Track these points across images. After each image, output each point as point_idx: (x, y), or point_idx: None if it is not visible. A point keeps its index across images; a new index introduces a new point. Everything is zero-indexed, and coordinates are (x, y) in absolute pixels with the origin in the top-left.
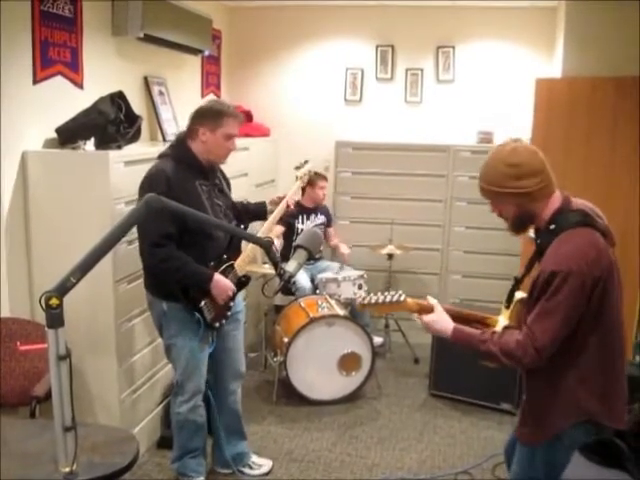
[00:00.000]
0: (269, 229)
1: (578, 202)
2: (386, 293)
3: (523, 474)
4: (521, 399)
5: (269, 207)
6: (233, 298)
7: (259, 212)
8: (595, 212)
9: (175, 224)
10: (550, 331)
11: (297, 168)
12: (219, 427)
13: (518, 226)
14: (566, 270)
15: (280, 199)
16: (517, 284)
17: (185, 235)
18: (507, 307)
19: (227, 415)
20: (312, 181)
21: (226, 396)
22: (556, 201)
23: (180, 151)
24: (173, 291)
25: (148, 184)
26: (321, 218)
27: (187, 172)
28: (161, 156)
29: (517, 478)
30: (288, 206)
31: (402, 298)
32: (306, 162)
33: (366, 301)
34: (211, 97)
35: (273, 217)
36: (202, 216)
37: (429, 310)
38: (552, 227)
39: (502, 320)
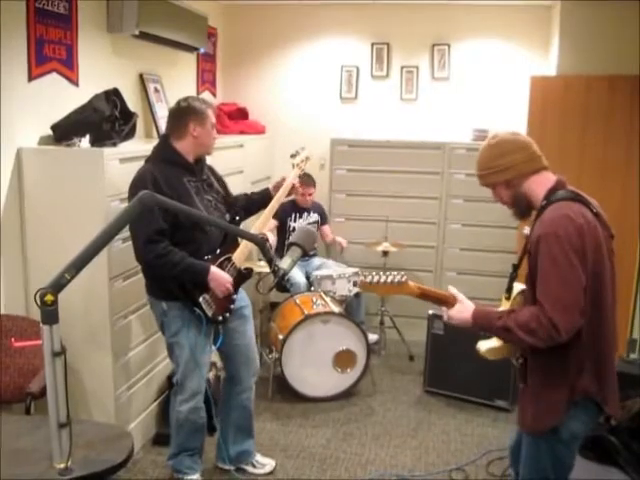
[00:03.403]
0: (267, 218)
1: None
2: (388, 273)
3: (531, 474)
4: (517, 392)
5: (273, 192)
6: (236, 291)
7: (264, 200)
8: (592, 201)
9: (166, 220)
10: (556, 297)
11: (293, 156)
12: (227, 424)
13: (519, 209)
14: (552, 231)
15: (283, 180)
16: (515, 271)
17: (177, 231)
18: (507, 298)
19: (238, 412)
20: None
21: (240, 392)
22: (549, 181)
23: (165, 152)
24: (171, 290)
25: (135, 186)
26: (314, 217)
27: (174, 171)
28: (147, 160)
29: (526, 478)
30: (294, 186)
31: (403, 280)
32: (303, 149)
33: (368, 280)
34: (181, 99)
35: (274, 203)
36: (195, 212)
37: (451, 300)
38: (544, 203)
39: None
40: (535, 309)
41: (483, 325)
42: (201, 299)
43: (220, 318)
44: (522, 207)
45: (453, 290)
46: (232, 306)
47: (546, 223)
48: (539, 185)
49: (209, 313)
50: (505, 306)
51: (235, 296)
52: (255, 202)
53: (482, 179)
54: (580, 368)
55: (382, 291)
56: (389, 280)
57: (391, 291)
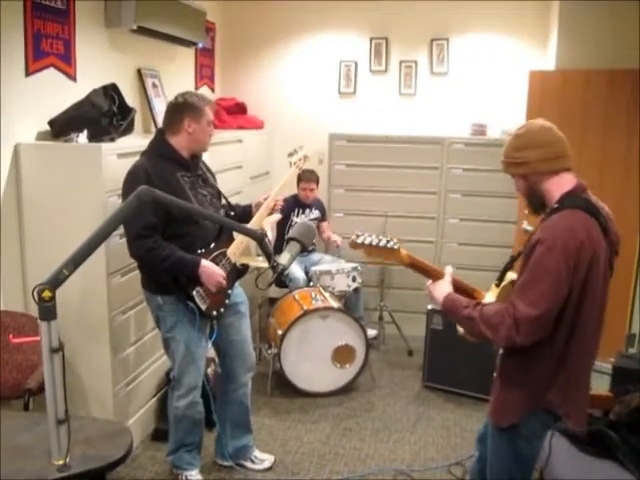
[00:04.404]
0: (258, 223)
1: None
2: (381, 237)
3: (500, 471)
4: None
5: (254, 210)
6: (231, 286)
7: (243, 216)
8: (606, 213)
9: (158, 215)
10: (532, 302)
11: (290, 155)
12: (224, 420)
13: (532, 203)
14: (551, 239)
15: (265, 200)
16: (512, 262)
17: (170, 225)
18: (497, 285)
19: (234, 408)
20: (300, 179)
21: (236, 389)
22: (568, 184)
23: (160, 147)
24: (165, 283)
25: (129, 181)
26: (315, 213)
27: (168, 166)
28: (143, 153)
29: (493, 475)
30: (275, 204)
31: (395, 247)
32: (301, 147)
33: (359, 240)
34: (180, 94)
35: (260, 213)
36: (192, 207)
37: (439, 275)
38: (556, 206)
39: (489, 296)
40: (503, 307)
41: (450, 309)
42: (194, 292)
43: (214, 313)
44: (536, 204)
45: (449, 270)
46: (227, 301)
47: (548, 229)
48: (557, 187)
49: (203, 307)
50: (493, 292)
51: (230, 291)
52: (235, 216)
53: (503, 166)
54: (550, 381)
55: (371, 253)
56: (381, 244)
57: (381, 255)
